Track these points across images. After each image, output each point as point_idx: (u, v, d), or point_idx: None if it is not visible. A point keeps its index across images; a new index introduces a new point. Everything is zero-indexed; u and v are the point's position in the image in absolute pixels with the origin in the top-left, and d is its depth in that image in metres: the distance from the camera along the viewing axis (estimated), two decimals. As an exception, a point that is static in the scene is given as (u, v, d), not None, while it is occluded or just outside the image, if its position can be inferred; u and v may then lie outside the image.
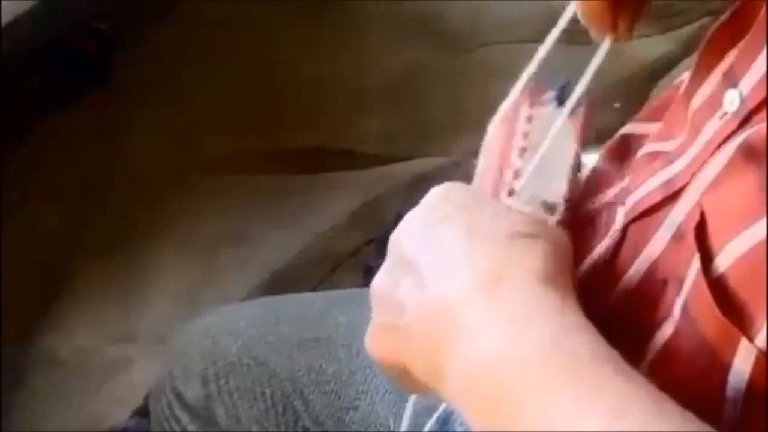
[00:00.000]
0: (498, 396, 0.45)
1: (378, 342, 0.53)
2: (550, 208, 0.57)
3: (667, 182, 0.54)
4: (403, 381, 0.53)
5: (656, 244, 0.54)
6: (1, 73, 1.40)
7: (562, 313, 0.47)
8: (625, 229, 0.57)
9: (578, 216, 0.67)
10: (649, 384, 0.44)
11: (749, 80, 0.50)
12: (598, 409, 0.43)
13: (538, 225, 0.51)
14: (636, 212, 0.56)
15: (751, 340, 0.45)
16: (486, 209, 0.52)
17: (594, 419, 0.43)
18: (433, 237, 0.51)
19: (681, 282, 0.50)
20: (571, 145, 0.59)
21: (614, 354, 0.45)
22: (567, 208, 0.57)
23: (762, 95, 0.49)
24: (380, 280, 0.53)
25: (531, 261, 0.48)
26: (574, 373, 0.44)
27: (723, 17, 0.57)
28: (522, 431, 0.44)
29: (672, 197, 0.54)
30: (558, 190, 0.58)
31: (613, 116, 1.53)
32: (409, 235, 0.52)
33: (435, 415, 0.67)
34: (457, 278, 0.48)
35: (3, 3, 1.38)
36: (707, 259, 0.48)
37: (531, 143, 0.59)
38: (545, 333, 0.46)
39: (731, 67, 0.53)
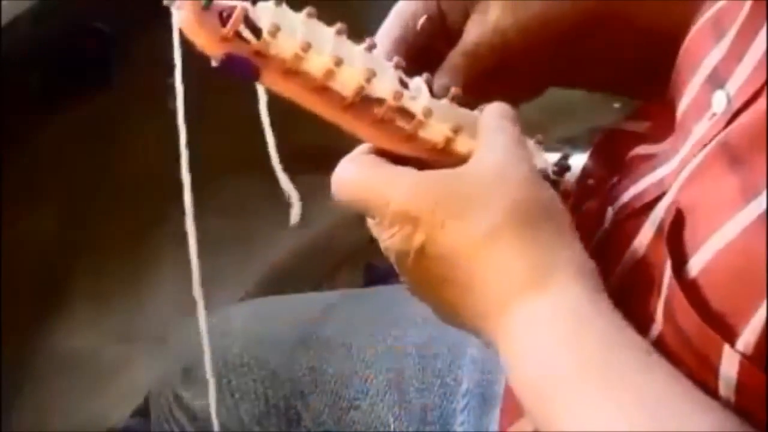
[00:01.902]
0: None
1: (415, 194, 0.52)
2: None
3: (658, 183, 0.54)
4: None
5: (641, 241, 0.53)
6: (1, 73, 1.40)
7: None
8: (614, 228, 0.56)
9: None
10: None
11: (736, 80, 0.50)
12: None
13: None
14: (626, 212, 0.55)
15: (732, 344, 0.45)
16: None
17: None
18: None
19: (661, 282, 0.49)
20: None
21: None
22: None
23: (747, 95, 0.48)
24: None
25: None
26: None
27: (704, 16, 0.56)
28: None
29: (661, 197, 0.53)
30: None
31: (613, 116, 1.53)
32: None
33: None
34: None
35: (3, 3, 1.38)
36: (682, 260, 0.47)
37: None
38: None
39: (717, 68, 0.52)
